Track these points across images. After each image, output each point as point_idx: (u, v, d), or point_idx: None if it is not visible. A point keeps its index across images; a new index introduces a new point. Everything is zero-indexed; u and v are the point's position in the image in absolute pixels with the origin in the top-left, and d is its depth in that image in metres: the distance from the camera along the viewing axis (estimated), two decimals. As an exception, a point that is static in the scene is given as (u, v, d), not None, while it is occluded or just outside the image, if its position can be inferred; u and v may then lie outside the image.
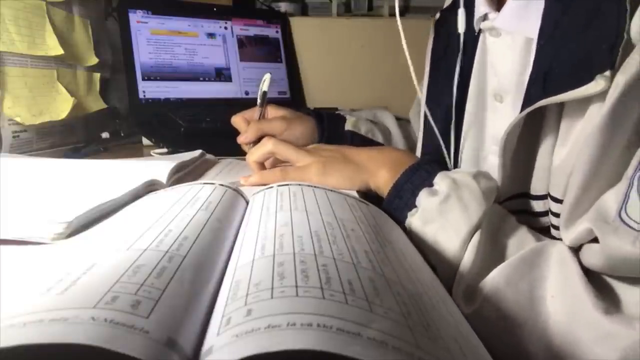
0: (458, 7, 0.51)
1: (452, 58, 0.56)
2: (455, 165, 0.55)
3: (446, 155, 0.54)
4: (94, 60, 0.90)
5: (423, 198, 0.39)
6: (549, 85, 0.37)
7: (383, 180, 0.45)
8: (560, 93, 0.35)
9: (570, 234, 0.37)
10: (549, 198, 0.42)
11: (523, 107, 0.39)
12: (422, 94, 0.61)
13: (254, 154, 0.52)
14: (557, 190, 0.40)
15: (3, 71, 0.68)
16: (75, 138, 0.87)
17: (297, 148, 0.50)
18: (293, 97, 1.13)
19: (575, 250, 0.37)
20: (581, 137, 0.36)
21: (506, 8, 0.45)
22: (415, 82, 0.57)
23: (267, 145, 0.50)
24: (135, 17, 0.95)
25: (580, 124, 0.36)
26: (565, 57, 0.36)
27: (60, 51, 0.77)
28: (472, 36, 0.52)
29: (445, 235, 0.37)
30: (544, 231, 0.43)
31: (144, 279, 0.19)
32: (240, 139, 0.65)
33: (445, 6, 0.60)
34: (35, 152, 0.75)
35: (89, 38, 0.91)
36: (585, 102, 0.35)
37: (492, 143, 0.51)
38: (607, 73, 0.32)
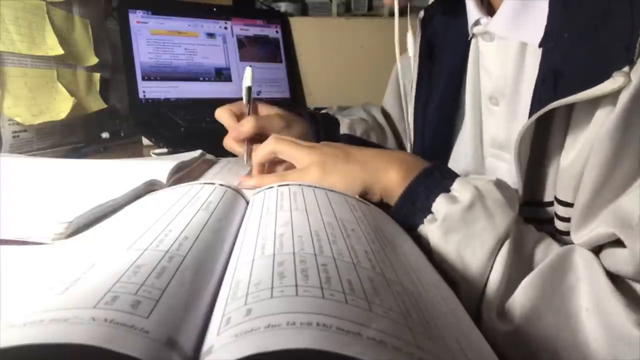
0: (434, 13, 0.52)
1: (439, 59, 0.57)
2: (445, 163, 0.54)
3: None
4: (94, 60, 0.90)
5: (442, 205, 0.36)
6: (560, 87, 0.36)
7: (392, 182, 0.41)
8: (573, 94, 0.34)
9: (582, 237, 0.36)
10: (555, 202, 0.41)
11: (532, 111, 0.38)
12: (410, 94, 0.61)
13: (259, 155, 0.49)
14: (564, 194, 0.39)
15: (3, 71, 0.68)
16: (75, 138, 0.87)
17: (299, 146, 0.48)
18: (293, 97, 1.13)
19: (595, 252, 0.36)
20: (591, 139, 0.35)
21: (499, 14, 0.44)
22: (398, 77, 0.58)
23: (269, 145, 0.48)
24: (135, 17, 0.95)
25: (590, 126, 0.36)
26: (578, 58, 0.35)
27: (60, 51, 0.77)
28: (463, 39, 0.52)
29: (470, 247, 0.35)
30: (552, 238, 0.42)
31: (144, 279, 0.19)
32: (234, 136, 0.59)
33: (429, 3, 0.61)
34: (35, 152, 0.75)
35: (89, 38, 0.91)
36: (595, 104, 0.35)
37: (490, 145, 0.50)
38: (626, 69, 0.31)
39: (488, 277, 0.34)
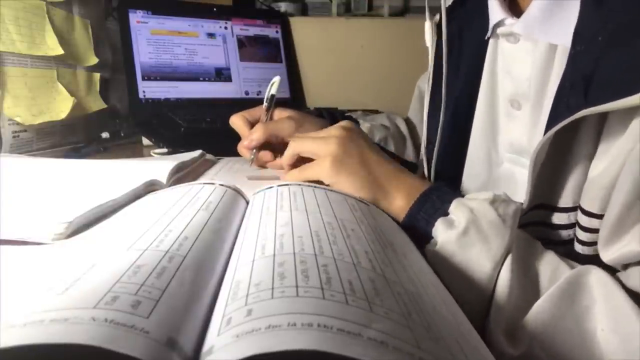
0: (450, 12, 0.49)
1: (456, 62, 0.56)
2: (459, 169, 0.53)
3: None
4: (94, 60, 0.90)
5: (440, 230, 0.37)
6: (591, 93, 0.34)
7: (398, 207, 0.42)
8: (607, 102, 0.32)
9: (611, 253, 0.36)
10: (578, 211, 0.40)
11: (554, 116, 0.37)
12: (426, 95, 0.60)
13: (285, 159, 0.50)
14: (591, 204, 0.38)
15: (3, 71, 0.68)
16: (75, 138, 0.87)
17: (315, 139, 0.47)
18: (293, 97, 1.13)
19: (613, 272, 0.35)
20: (625, 149, 0.34)
21: (529, 14, 0.43)
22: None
23: (291, 147, 0.49)
24: (135, 17, 0.95)
25: (624, 136, 0.34)
26: (614, 64, 0.33)
27: (60, 51, 0.77)
28: (482, 41, 0.51)
29: (468, 271, 0.35)
30: (563, 244, 0.41)
31: (144, 279, 0.19)
32: (245, 144, 0.59)
33: (446, 5, 0.60)
34: (35, 152, 0.75)
35: (89, 38, 0.91)
36: (631, 113, 0.33)
37: (507, 150, 0.49)
38: None
39: (491, 300, 0.34)
